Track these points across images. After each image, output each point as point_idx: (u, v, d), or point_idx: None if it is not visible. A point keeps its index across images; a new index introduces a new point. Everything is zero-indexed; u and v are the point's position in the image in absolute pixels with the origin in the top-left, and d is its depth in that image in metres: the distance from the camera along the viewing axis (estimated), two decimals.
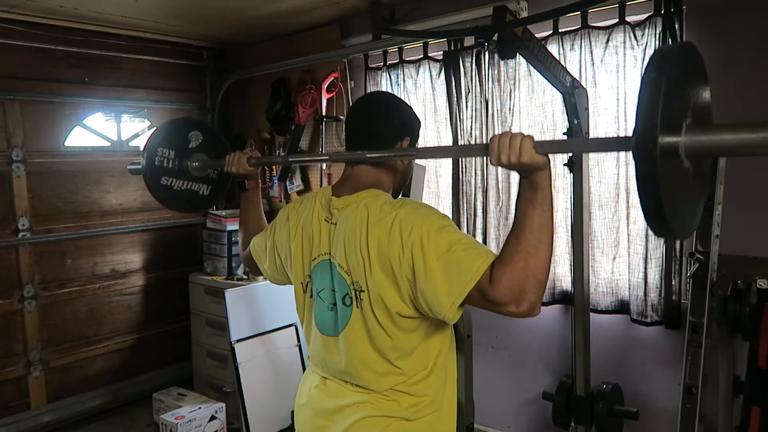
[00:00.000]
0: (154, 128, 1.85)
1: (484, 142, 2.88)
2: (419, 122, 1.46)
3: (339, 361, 1.34)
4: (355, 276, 1.26)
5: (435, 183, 3.15)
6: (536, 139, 1.12)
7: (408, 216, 1.21)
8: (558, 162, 2.69)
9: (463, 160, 2.95)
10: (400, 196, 1.44)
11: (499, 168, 2.84)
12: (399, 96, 1.67)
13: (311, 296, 1.40)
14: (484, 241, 2.92)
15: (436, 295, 1.15)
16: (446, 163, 3.08)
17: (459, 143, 2.95)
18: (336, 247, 1.30)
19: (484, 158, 2.90)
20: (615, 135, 2.53)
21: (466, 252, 1.14)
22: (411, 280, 1.18)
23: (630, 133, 2.09)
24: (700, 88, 1.06)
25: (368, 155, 1.35)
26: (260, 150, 3.93)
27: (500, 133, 1.14)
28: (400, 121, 1.40)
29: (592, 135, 2.47)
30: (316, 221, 1.37)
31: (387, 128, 1.37)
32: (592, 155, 2.53)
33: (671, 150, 0.94)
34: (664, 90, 0.89)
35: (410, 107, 1.46)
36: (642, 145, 0.90)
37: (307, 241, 1.39)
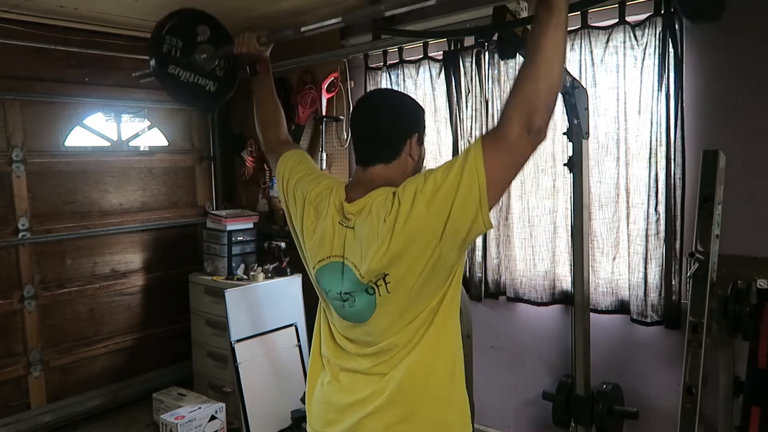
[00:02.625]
0: (163, 17, 1.80)
1: None
2: (423, 111, 1.46)
3: (363, 346, 1.35)
4: (373, 273, 1.26)
5: None
6: None
7: (405, 185, 1.25)
8: (558, 162, 2.70)
9: None
10: None
11: None
12: None
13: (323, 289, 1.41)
14: (484, 240, 2.92)
15: (464, 208, 1.16)
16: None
17: (459, 143, 2.95)
18: (353, 250, 1.30)
19: None
20: (615, 135, 2.53)
21: (457, 160, 1.19)
22: (441, 230, 1.19)
23: (631, 132, 2.11)
24: None
25: None
26: (259, 150, 3.93)
27: None
28: (406, 119, 1.40)
29: (592, 135, 2.47)
30: (329, 222, 1.36)
31: (396, 130, 1.38)
32: (592, 155, 2.52)
33: None
34: None
35: (411, 99, 1.46)
36: None
37: (322, 240, 1.38)
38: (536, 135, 1.14)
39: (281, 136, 1.72)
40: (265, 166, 3.93)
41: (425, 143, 1.46)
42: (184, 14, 1.83)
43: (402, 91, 3.15)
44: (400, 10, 1.58)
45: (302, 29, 1.63)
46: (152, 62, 1.76)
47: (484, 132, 2.87)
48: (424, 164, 1.46)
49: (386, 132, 1.37)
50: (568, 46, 2.58)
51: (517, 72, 1.19)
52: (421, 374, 1.31)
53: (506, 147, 1.15)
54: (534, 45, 1.15)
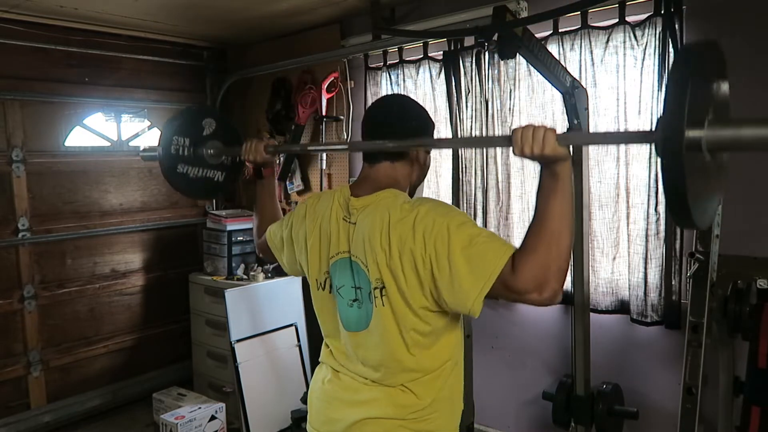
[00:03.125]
0: (171, 117, 1.85)
1: None
2: (434, 125, 1.50)
3: (361, 355, 1.36)
4: (376, 274, 1.28)
5: (435, 183, 3.16)
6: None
7: (429, 212, 1.24)
8: None
9: (463, 160, 2.95)
10: (414, 196, 1.46)
11: (499, 168, 2.86)
12: None
13: (330, 292, 1.42)
14: None
15: (462, 287, 1.17)
16: (446, 164, 3.08)
17: None
18: (356, 245, 1.32)
19: (484, 158, 2.90)
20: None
21: (488, 244, 1.17)
22: (435, 276, 1.21)
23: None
24: (721, 84, 1.10)
25: (389, 144, 1.37)
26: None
27: (523, 125, 1.17)
28: (417, 123, 1.42)
29: None
30: (334, 220, 1.38)
31: (405, 130, 1.39)
32: (592, 155, 2.53)
33: (695, 144, 0.97)
34: (691, 86, 0.94)
35: (425, 110, 1.49)
36: (669, 139, 0.95)
37: (324, 239, 1.40)
38: (550, 299, 1.14)
39: None
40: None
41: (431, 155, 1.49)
42: (189, 112, 1.91)
43: (402, 92, 3.18)
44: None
45: (308, 147, 1.68)
46: (161, 162, 1.81)
47: (483, 132, 2.87)
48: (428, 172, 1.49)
49: (396, 130, 1.39)
50: (568, 47, 2.58)
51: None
52: (418, 389, 1.33)
53: (514, 295, 1.17)
54: (540, 212, 1.16)
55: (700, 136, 0.98)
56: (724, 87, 1.12)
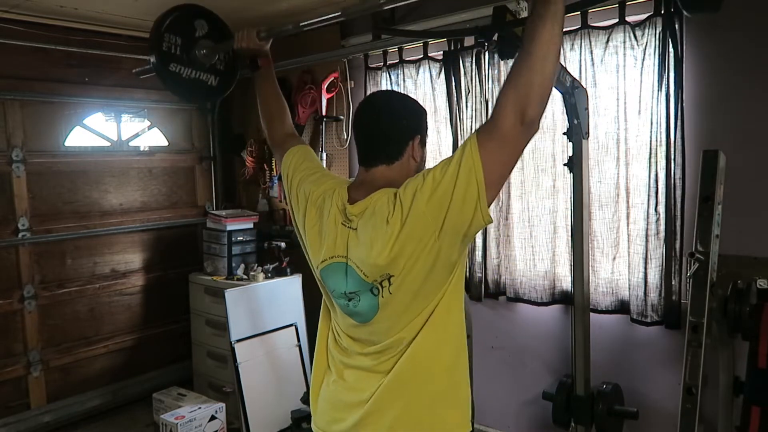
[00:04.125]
0: (160, 15, 1.80)
1: None
2: (425, 112, 1.47)
3: (368, 344, 1.36)
4: (378, 273, 1.27)
5: None
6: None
7: (408, 185, 1.26)
8: (558, 162, 2.69)
9: None
10: None
11: None
12: None
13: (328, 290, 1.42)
14: (484, 240, 2.92)
15: (464, 207, 1.18)
16: None
17: (459, 143, 2.95)
18: (356, 251, 1.31)
19: None
20: (615, 135, 2.53)
21: (453, 157, 1.21)
22: (443, 227, 1.20)
23: (631, 132, 2.10)
24: None
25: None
26: (259, 150, 3.93)
27: None
28: (408, 121, 1.40)
29: (592, 135, 2.47)
30: (332, 223, 1.37)
31: (397, 130, 1.38)
32: (592, 155, 2.52)
33: None
34: None
35: (414, 100, 1.47)
36: None
37: (324, 240, 1.39)
38: (529, 126, 1.16)
39: (286, 129, 1.73)
40: (265, 166, 3.93)
41: (426, 145, 1.47)
42: (182, 10, 1.83)
43: (403, 92, 3.17)
44: (399, 4, 1.58)
45: (301, 24, 1.64)
46: (153, 60, 1.76)
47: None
48: (425, 165, 1.47)
49: (388, 133, 1.38)
50: (568, 47, 2.58)
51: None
52: (422, 369, 1.32)
53: (500, 138, 1.17)
54: (530, 38, 1.17)
55: None
56: None
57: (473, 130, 2.85)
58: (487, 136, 1.18)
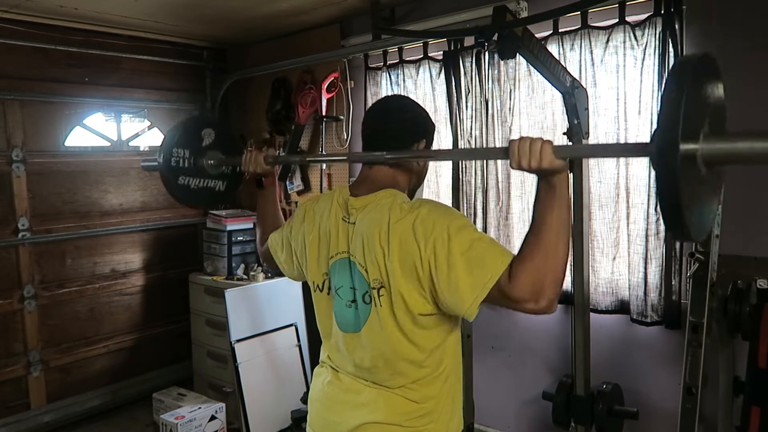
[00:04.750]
0: (170, 129, 1.89)
1: (484, 142, 2.88)
2: (434, 125, 1.50)
3: (357, 357, 1.36)
4: (375, 275, 1.28)
5: (435, 183, 3.16)
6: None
7: (429, 214, 1.24)
8: None
9: (463, 160, 2.95)
10: (414, 196, 1.46)
11: (499, 168, 2.86)
12: None
13: (329, 293, 1.41)
14: None
15: (459, 290, 1.18)
16: (446, 164, 3.08)
17: (459, 143, 2.95)
18: (355, 246, 1.32)
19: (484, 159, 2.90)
20: (615, 135, 2.53)
21: (487, 250, 1.18)
22: (433, 277, 1.21)
23: (631, 132, 2.10)
24: (716, 95, 1.10)
25: (387, 156, 1.37)
26: (261, 148, 3.93)
27: (519, 137, 1.17)
28: (416, 123, 1.43)
29: (592, 135, 2.47)
30: (333, 220, 1.38)
31: (403, 130, 1.40)
32: None
33: (690, 157, 0.97)
34: (685, 98, 0.93)
35: (425, 111, 1.49)
36: (664, 152, 0.94)
37: (324, 240, 1.40)
38: (546, 309, 1.15)
39: None
40: None
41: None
42: (188, 124, 1.92)
43: (403, 92, 3.18)
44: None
45: (307, 159, 1.68)
46: (161, 173, 1.81)
47: (483, 132, 2.87)
48: (427, 172, 1.50)
49: (394, 131, 1.40)
50: (568, 47, 2.58)
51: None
52: (418, 398, 1.32)
53: (510, 303, 1.17)
54: (537, 223, 1.17)
55: (696, 149, 0.98)
56: (720, 98, 1.12)
57: (476, 134, 2.88)
58: (503, 290, 1.16)
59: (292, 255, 1.55)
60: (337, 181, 3.55)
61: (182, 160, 1.83)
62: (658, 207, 2.40)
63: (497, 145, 2.87)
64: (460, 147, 2.95)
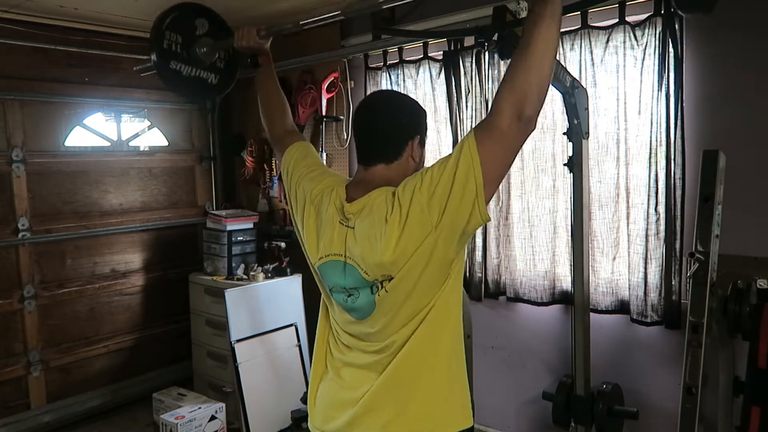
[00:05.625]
0: (162, 13, 1.82)
1: None
2: (425, 113, 1.48)
3: (364, 342, 1.37)
4: (379, 272, 1.27)
5: None
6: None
7: (406, 185, 1.27)
8: (558, 162, 2.69)
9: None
10: None
11: None
12: None
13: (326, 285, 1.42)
14: (484, 240, 2.92)
15: (462, 202, 1.19)
16: None
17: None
18: (355, 249, 1.31)
19: None
20: (615, 135, 2.53)
21: (451, 156, 1.21)
22: (439, 226, 1.21)
23: (631, 132, 2.10)
24: None
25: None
26: (259, 150, 3.93)
27: None
28: (407, 120, 1.41)
29: (592, 135, 2.47)
30: (329, 222, 1.37)
31: (397, 130, 1.39)
32: (592, 155, 2.52)
33: None
34: None
35: (414, 101, 1.47)
36: None
37: (320, 237, 1.39)
38: (526, 124, 1.18)
39: (287, 126, 1.73)
40: (265, 166, 3.93)
41: (426, 145, 1.47)
42: (183, 8, 1.84)
43: (403, 92, 3.17)
44: (397, 3, 1.59)
45: (301, 23, 1.65)
46: (154, 58, 1.76)
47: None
48: (424, 166, 1.47)
49: (388, 132, 1.38)
50: (568, 47, 2.58)
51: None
52: (416, 368, 1.32)
53: (498, 136, 1.18)
54: (527, 36, 1.17)
55: None
56: None
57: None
58: (485, 133, 1.19)
59: (290, 186, 1.53)
60: None
61: (174, 45, 1.78)
62: (660, 206, 2.41)
63: None
64: None
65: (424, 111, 1.47)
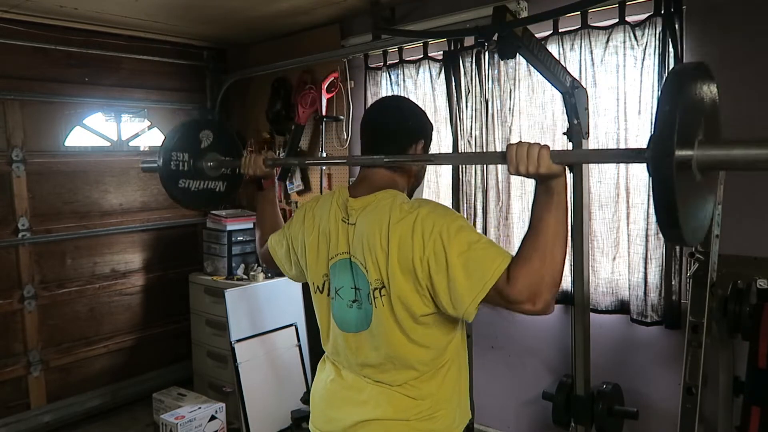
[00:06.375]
0: (168, 132, 1.91)
1: (484, 142, 2.88)
2: (432, 126, 1.50)
3: (362, 356, 1.36)
4: (375, 275, 1.28)
5: (435, 183, 3.15)
6: (539, 140, 1.14)
7: (429, 215, 1.24)
8: None
9: (461, 165, 2.94)
10: (413, 196, 1.46)
11: (499, 168, 2.85)
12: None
13: (329, 295, 1.42)
14: None
15: (457, 291, 1.19)
16: None
17: (459, 143, 2.95)
18: (356, 246, 1.32)
19: None
20: (615, 135, 2.53)
21: (486, 251, 1.19)
22: (432, 277, 1.21)
23: (631, 132, 2.11)
24: (711, 103, 1.12)
25: (385, 160, 1.38)
26: (260, 150, 3.93)
27: (517, 142, 1.18)
28: (414, 124, 1.43)
29: (592, 135, 2.47)
30: (333, 221, 1.38)
31: (402, 131, 1.41)
32: None
33: (685, 164, 1.00)
34: (680, 109, 0.96)
35: (423, 111, 1.49)
36: (659, 159, 0.97)
37: (324, 241, 1.40)
38: (543, 310, 1.17)
39: None
40: None
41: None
42: (186, 126, 1.92)
43: (402, 92, 3.18)
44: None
45: (306, 162, 1.70)
46: (161, 176, 1.82)
47: (483, 132, 2.87)
48: (425, 172, 1.50)
49: (393, 132, 1.41)
50: (568, 47, 2.58)
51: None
52: (418, 372, 1.33)
53: (508, 304, 1.18)
54: (535, 225, 1.18)
55: (690, 155, 1.01)
56: (715, 103, 1.14)
57: (476, 134, 2.88)
58: (502, 292, 1.17)
59: (291, 255, 1.55)
60: (337, 182, 3.55)
61: (182, 163, 1.84)
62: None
63: (497, 146, 2.87)
64: (460, 147, 2.95)
65: (431, 124, 1.50)
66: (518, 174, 1.17)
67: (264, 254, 1.71)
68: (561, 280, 1.19)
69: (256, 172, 1.72)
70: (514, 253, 1.19)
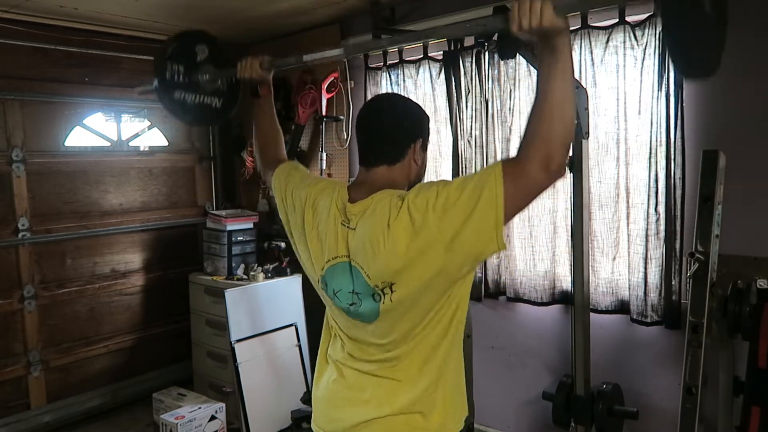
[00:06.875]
0: (162, 45, 1.86)
1: (484, 142, 2.88)
2: (428, 118, 1.48)
3: (362, 352, 1.37)
4: (379, 278, 1.27)
5: (435, 178, 3.14)
6: None
7: (418, 196, 1.24)
8: None
9: (463, 160, 2.95)
10: None
11: None
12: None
13: (327, 294, 1.41)
14: None
15: (480, 229, 1.17)
16: (446, 163, 3.08)
17: (459, 143, 2.95)
18: (357, 250, 1.30)
19: (484, 158, 2.89)
20: (615, 135, 2.53)
21: (477, 176, 1.19)
22: (455, 243, 1.19)
23: (631, 132, 2.10)
24: None
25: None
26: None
27: None
28: (411, 123, 1.41)
29: (592, 135, 2.47)
30: (332, 223, 1.36)
31: (400, 132, 1.39)
32: (592, 155, 2.52)
33: None
34: None
35: (417, 105, 1.47)
36: None
37: (324, 241, 1.38)
38: (556, 173, 1.17)
39: (279, 156, 1.75)
40: None
41: (428, 149, 1.47)
42: (183, 37, 1.88)
43: (403, 92, 3.17)
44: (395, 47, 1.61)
45: (304, 58, 1.69)
46: (157, 91, 1.79)
47: (483, 132, 2.87)
48: (425, 170, 1.48)
49: (391, 133, 1.38)
50: None
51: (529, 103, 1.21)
52: (419, 373, 1.33)
53: (525, 182, 1.17)
54: (543, 88, 1.17)
55: None
56: None
57: (476, 134, 2.88)
58: (513, 176, 1.16)
59: (287, 205, 1.54)
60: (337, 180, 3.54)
61: (177, 74, 1.81)
62: (660, 206, 2.41)
63: (497, 146, 2.87)
64: (460, 147, 2.95)
65: (427, 116, 1.47)
66: (521, 30, 1.14)
67: (265, 176, 1.71)
68: (570, 142, 1.19)
69: (252, 75, 1.71)
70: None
